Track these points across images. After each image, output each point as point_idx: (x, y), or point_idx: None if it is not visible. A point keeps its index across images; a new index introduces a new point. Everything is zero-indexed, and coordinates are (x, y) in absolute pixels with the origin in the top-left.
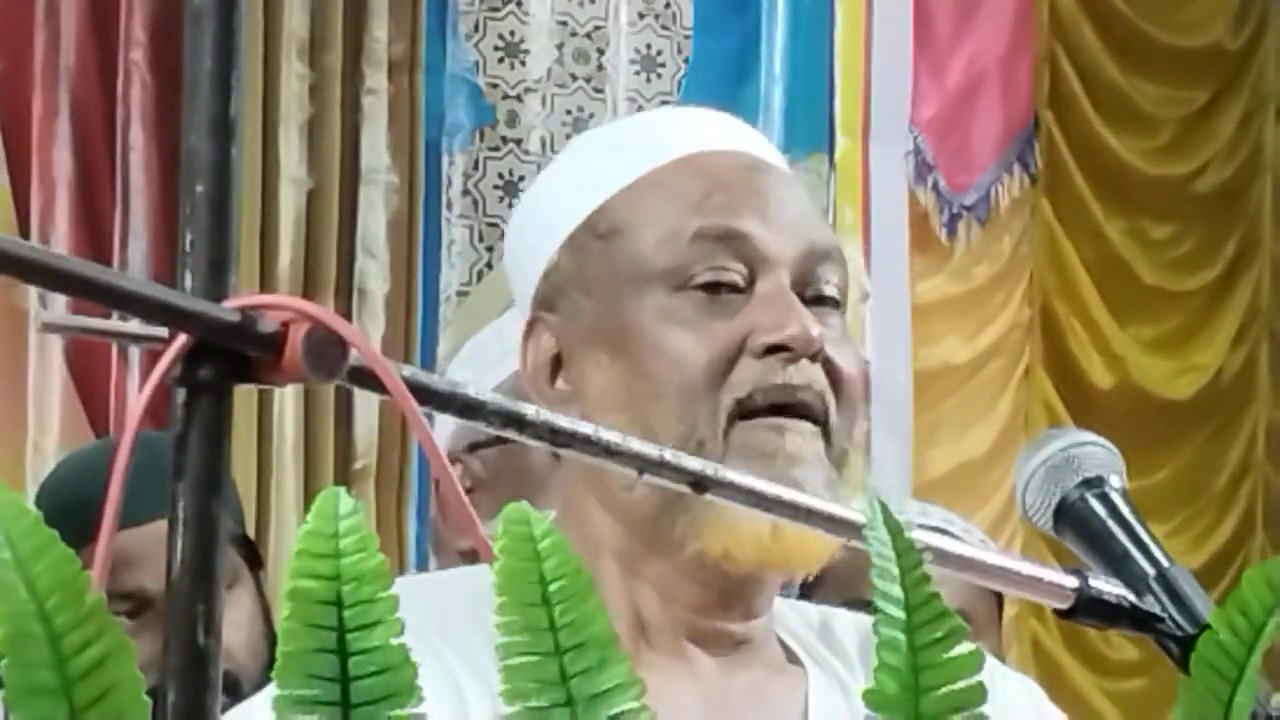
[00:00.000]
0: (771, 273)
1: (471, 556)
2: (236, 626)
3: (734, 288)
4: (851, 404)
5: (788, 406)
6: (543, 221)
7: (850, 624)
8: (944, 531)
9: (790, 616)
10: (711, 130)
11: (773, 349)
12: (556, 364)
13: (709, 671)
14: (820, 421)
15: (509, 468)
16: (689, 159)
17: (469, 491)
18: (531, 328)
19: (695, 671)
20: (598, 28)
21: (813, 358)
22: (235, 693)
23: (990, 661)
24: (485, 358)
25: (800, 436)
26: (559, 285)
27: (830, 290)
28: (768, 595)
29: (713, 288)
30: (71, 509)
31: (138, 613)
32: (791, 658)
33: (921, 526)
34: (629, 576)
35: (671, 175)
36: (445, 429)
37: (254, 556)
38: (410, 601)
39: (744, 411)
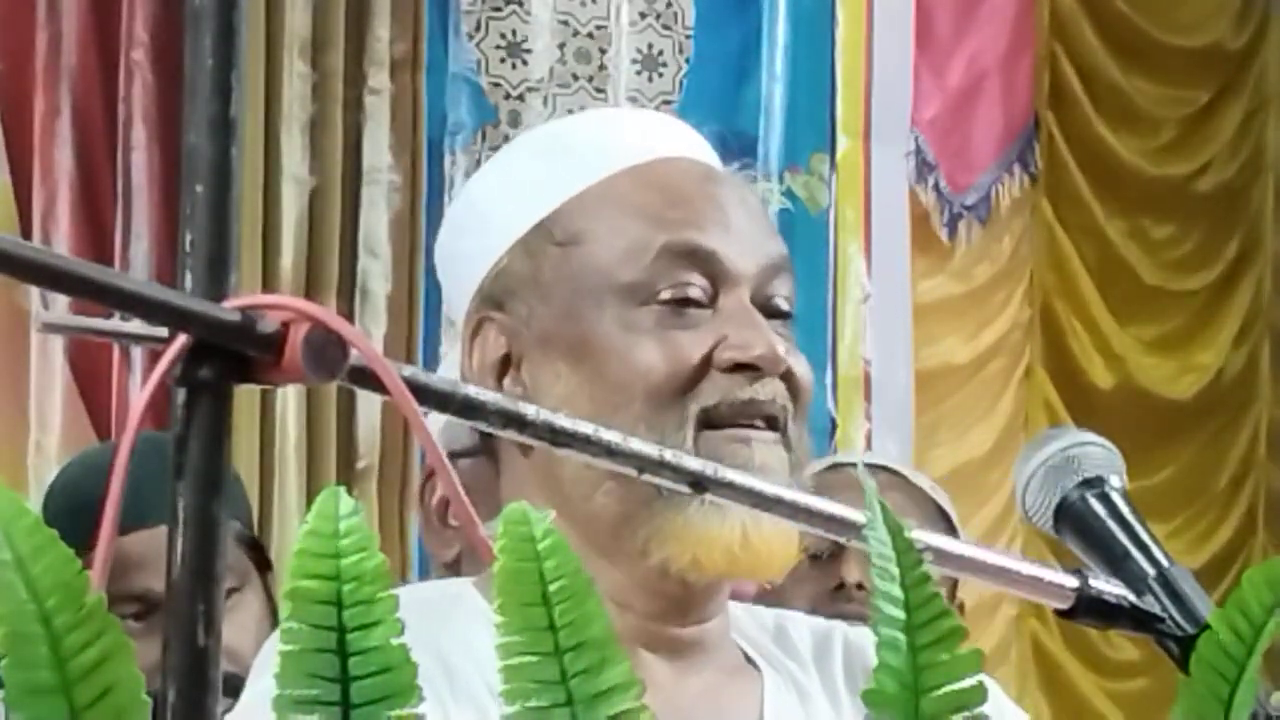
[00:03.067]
0: (734, 289)
1: (455, 568)
2: (244, 629)
3: (697, 303)
4: (804, 410)
5: (753, 418)
6: (486, 222)
7: (805, 626)
8: (895, 473)
9: (745, 620)
10: (658, 135)
11: (740, 367)
12: (504, 364)
13: (663, 677)
14: (781, 430)
15: (485, 479)
16: (643, 168)
17: (445, 501)
18: (479, 326)
19: (650, 677)
20: (599, 27)
21: (778, 374)
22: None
23: None
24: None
25: (766, 446)
26: (509, 287)
27: (784, 304)
28: (721, 600)
29: (677, 302)
30: (79, 509)
31: (145, 615)
32: (747, 661)
33: (871, 465)
34: None
35: (629, 185)
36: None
37: (262, 558)
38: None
39: (710, 421)
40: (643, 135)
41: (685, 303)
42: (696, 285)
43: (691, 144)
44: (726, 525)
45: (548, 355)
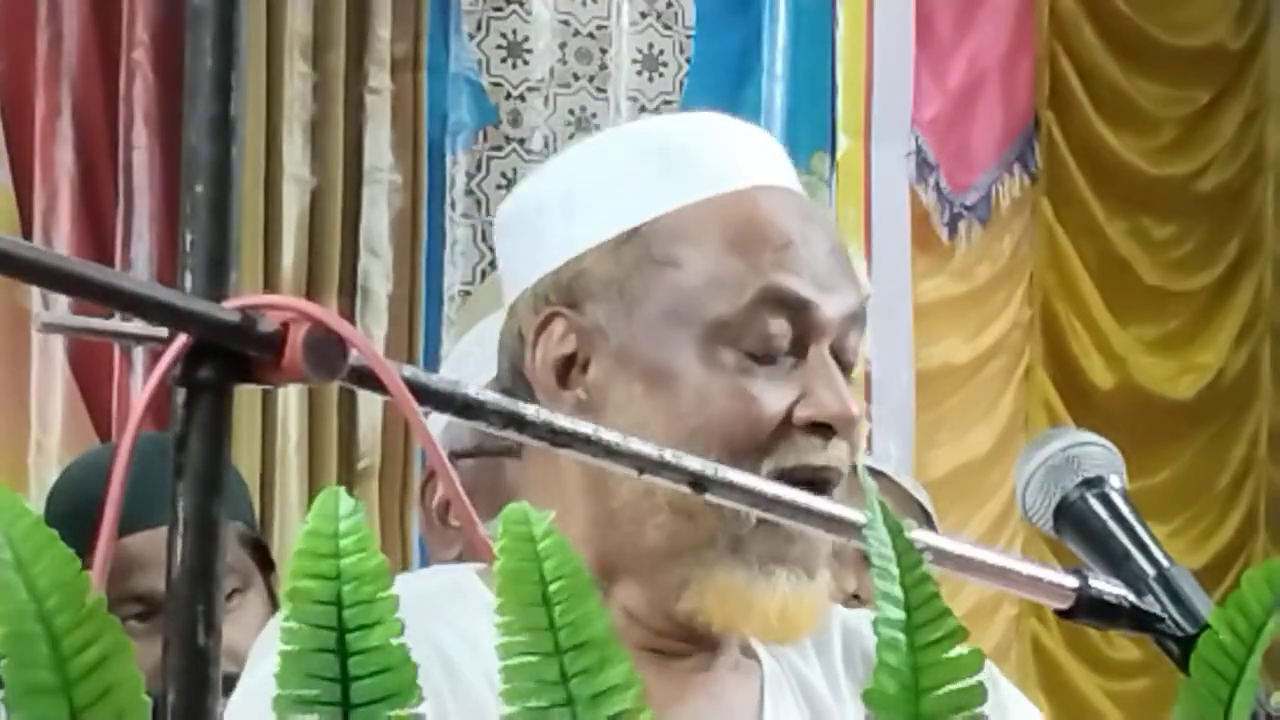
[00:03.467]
0: (819, 339)
1: None
2: (248, 629)
3: (781, 350)
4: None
5: (821, 484)
6: (572, 209)
7: None
8: (879, 473)
9: None
10: (759, 157)
11: (817, 426)
12: (568, 362)
13: (663, 673)
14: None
15: (485, 477)
16: (745, 196)
17: (446, 501)
18: (548, 321)
19: (649, 673)
20: (600, 27)
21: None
22: None
23: None
24: (465, 366)
25: None
26: (589, 288)
27: (852, 357)
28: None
29: (763, 349)
30: (81, 510)
31: (148, 615)
32: (747, 650)
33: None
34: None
35: (730, 214)
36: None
37: (265, 559)
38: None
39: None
40: (746, 154)
41: (770, 349)
42: (784, 335)
43: (786, 169)
44: (771, 596)
45: (623, 370)
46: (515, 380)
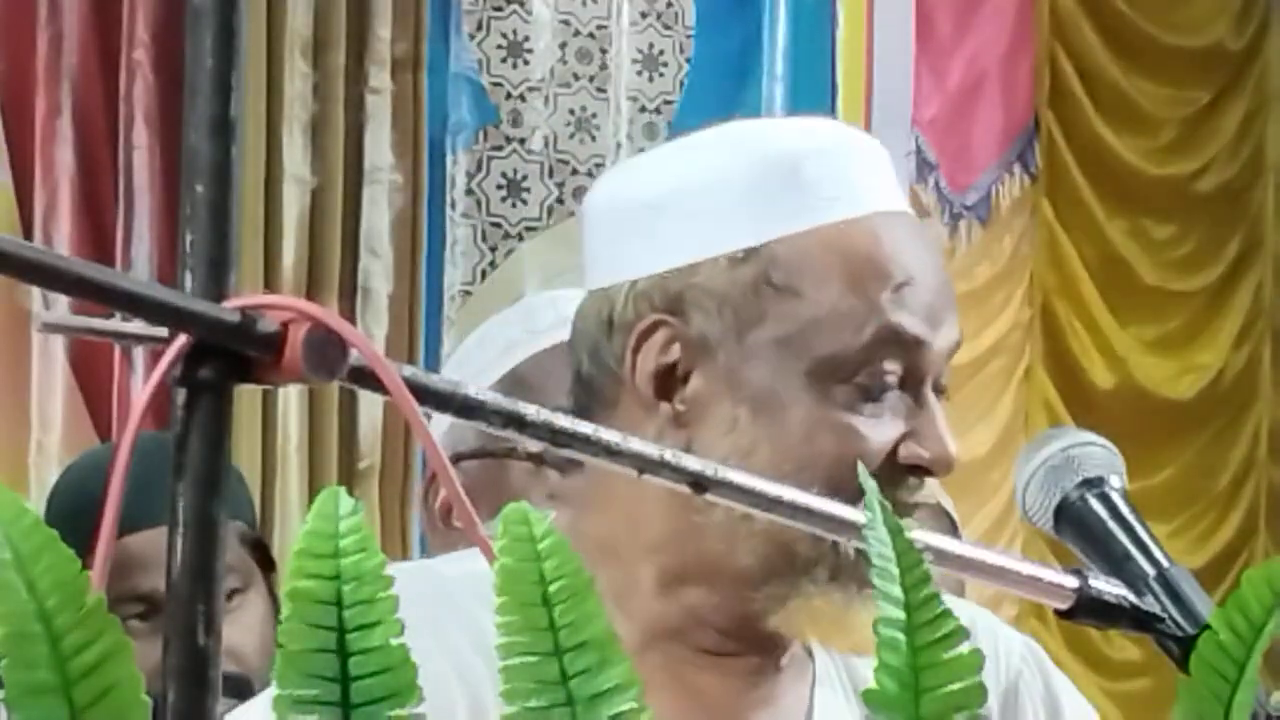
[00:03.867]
0: (927, 378)
1: None
2: (249, 629)
3: (890, 388)
4: None
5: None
6: (686, 213)
7: None
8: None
9: None
10: (878, 178)
11: (916, 467)
12: (668, 372)
13: (720, 670)
14: None
15: (490, 479)
16: (867, 224)
17: (449, 503)
18: (653, 329)
19: (708, 672)
20: (600, 27)
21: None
22: (246, 695)
23: (995, 622)
24: (467, 367)
25: None
26: (700, 301)
27: (947, 382)
28: None
29: (873, 387)
30: (84, 509)
31: (150, 615)
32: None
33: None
34: (663, 595)
35: (854, 245)
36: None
37: (266, 558)
38: (405, 591)
39: None
40: (867, 175)
41: (881, 387)
42: (895, 372)
43: (897, 185)
44: (868, 617)
45: (729, 392)
46: (594, 365)
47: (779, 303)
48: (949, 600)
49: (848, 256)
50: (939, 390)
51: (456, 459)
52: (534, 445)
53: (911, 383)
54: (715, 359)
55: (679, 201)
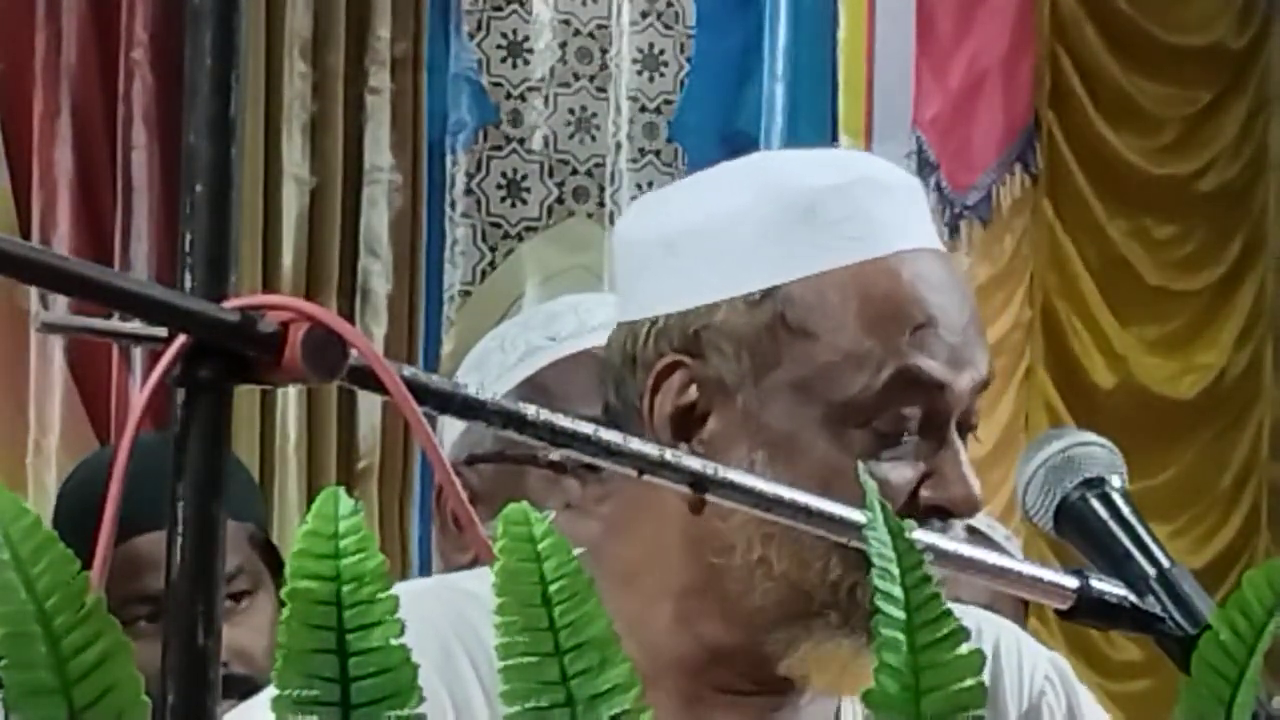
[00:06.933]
0: (949, 421)
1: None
2: (258, 631)
3: (909, 430)
4: None
5: None
6: (706, 253)
7: None
8: (983, 535)
9: None
10: (904, 214)
11: (937, 509)
12: (686, 412)
13: (740, 708)
14: None
15: (506, 483)
16: (887, 265)
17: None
18: (670, 370)
19: (728, 711)
20: (600, 27)
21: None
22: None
23: (1020, 636)
24: (487, 369)
25: None
26: (717, 342)
27: (976, 420)
28: None
29: (892, 431)
30: (91, 510)
31: (157, 616)
32: None
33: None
34: (679, 630)
35: (872, 288)
36: (445, 440)
37: (276, 561)
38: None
39: None
40: (891, 213)
41: (900, 430)
42: (915, 416)
43: (927, 221)
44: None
45: (746, 435)
46: (620, 400)
47: (795, 345)
48: (975, 613)
49: (865, 298)
50: (969, 427)
51: (471, 461)
52: (555, 453)
53: (934, 424)
54: (733, 401)
55: (698, 241)
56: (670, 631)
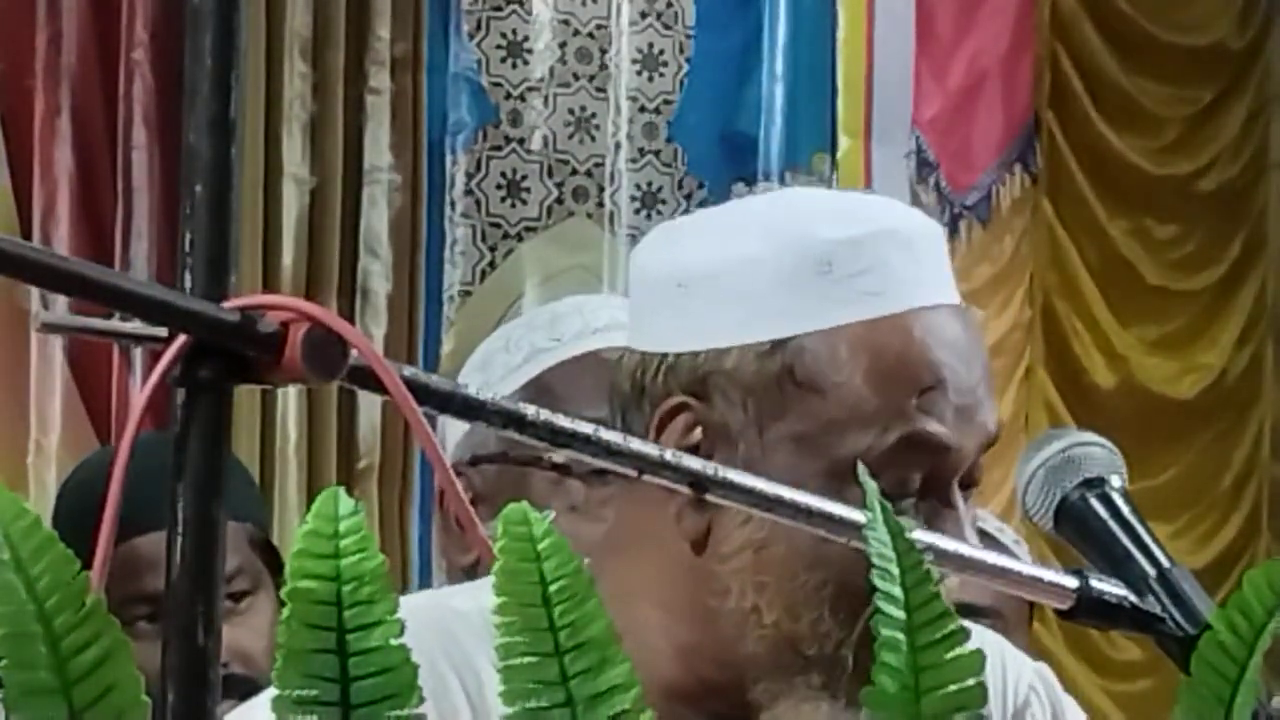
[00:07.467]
0: (952, 481)
1: (472, 574)
2: (258, 632)
3: (911, 490)
4: None
5: None
6: (719, 301)
7: None
8: (992, 538)
9: None
10: (920, 268)
11: None
12: (690, 453)
13: None
14: None
15: (509, 484)
16: (899, 324)
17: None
18: (675, 412)
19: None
20: (600, 27)
21: None
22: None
23: (1004, 646)
24: (492, 369)
25: None
26: (724, 387)
27: (979, 474)
28: None
29: (893, 491)
30: (91, 510)
31: (157, 616)
32: None
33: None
34: (673, 660)
35: (882, 348)
36: (449, 440)
37: (276, 561)
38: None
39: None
40: (907, 267)
41: (901, 490)
42: (917, 477)
43: (944, 273)
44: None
45: None
46: (625, 428)
47: (802, 400)
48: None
49: (875, 357)
50: (972, 484)
51: (474, 462)
52: (559, 455)
53: (937, 484)
54: (736, 448)
55: (713, 284)
56: (664, 656)
